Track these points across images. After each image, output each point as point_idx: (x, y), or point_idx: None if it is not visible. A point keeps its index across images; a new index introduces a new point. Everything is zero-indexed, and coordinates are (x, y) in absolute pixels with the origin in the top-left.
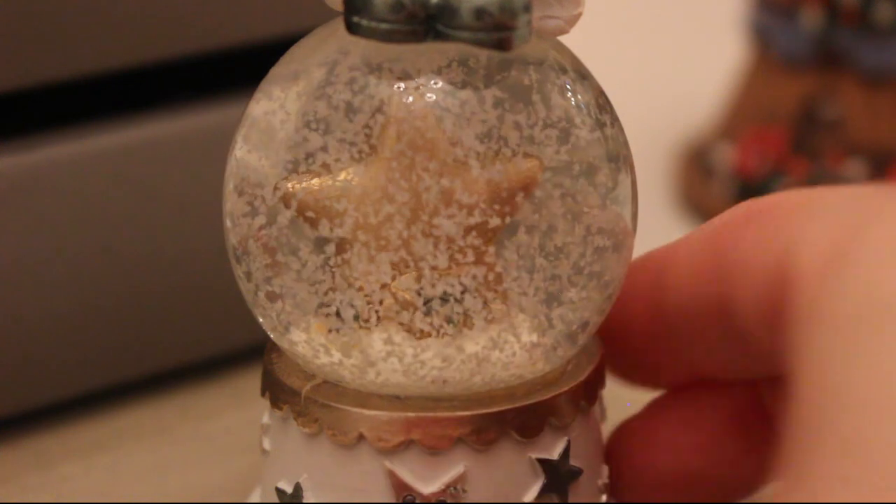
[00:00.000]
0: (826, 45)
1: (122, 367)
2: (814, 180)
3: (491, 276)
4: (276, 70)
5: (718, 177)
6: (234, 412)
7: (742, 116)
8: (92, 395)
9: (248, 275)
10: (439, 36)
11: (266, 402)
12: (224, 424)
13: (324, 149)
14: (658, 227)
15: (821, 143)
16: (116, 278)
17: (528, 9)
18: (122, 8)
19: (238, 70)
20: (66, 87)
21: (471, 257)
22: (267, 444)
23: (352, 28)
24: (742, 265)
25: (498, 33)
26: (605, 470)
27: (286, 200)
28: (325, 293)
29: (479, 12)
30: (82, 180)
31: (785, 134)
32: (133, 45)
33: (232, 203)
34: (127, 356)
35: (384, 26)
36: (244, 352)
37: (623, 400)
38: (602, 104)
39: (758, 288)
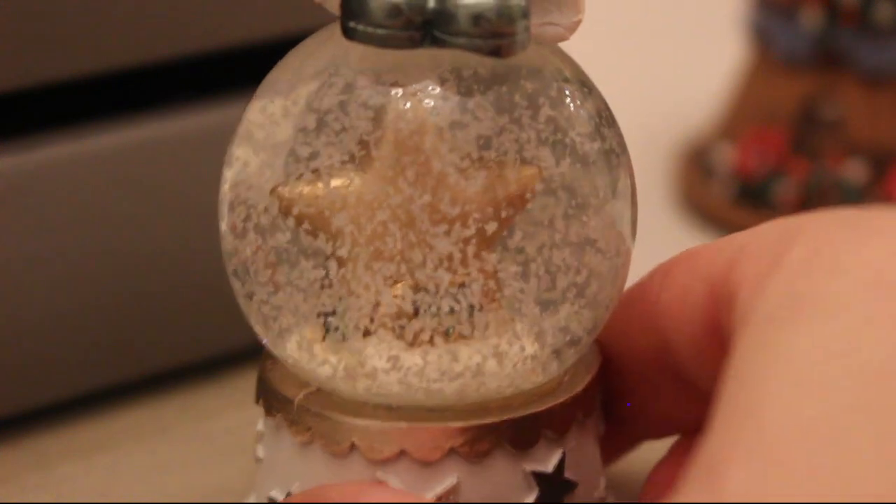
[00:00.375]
0: (826, 45)
1: (122, 367)
2: (814, 180)
3: (487, 286)
4: (272, 77)
5: (718, 177)
6: (234, 412)
7: (742, 116)
8: (92, 395)
9: (244, 283)
10: (436, 42)
11: (260, 410)
12: (224, 424)
13: (320, 156)
14: (658, 227)
15: (821, 143)
16: (116, 278)
17: (526, 15)
18: (122, 8)
19: (238, 70)
20: (66, 87)
21: (467, 267)
22: (261, 452)
23: (348, 33)
24: (673, 305)
25: (495, 40)
26: (602, 482)
27: (282, 206)
28: (320, 301)
29: (477, 18)
30: (82, 180)
31: (785, 134)
32: (133, 45)
33: (228, 211)
34: (127, 356)
35: (381, 32)
36: (244, 352)
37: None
38: (602, 112)
39: (692, 321)
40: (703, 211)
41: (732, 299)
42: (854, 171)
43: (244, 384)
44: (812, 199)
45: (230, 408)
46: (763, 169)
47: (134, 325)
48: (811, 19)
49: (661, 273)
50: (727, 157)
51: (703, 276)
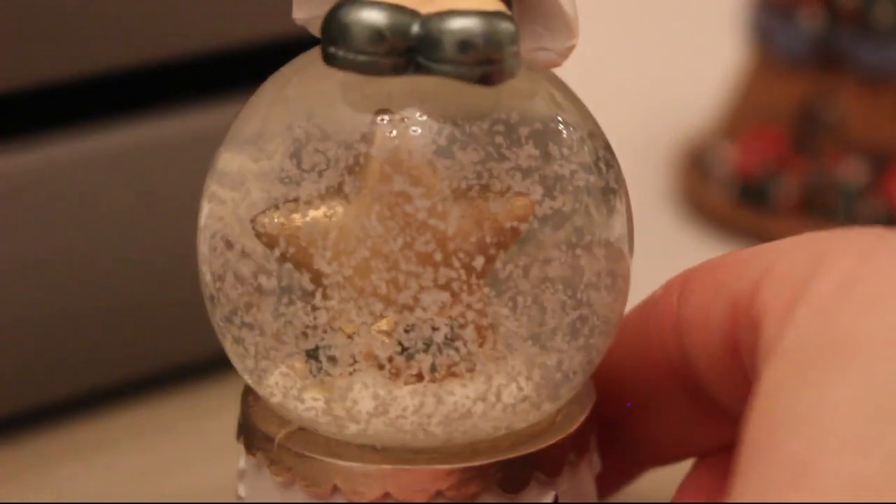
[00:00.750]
0: (826, 45)
1: (122, 367)
2: (814, 180)
3: (477, 322)
4: (250, 108)
5: (718, 177)
6: (234, 412)
7: (742, 116)
8: (92, 395)
9: (223, 318)
10: (420, 69)
11: (241, 447)
12: (224, 424)
13: (302, 186)
14: (658, 227)
15: (821, 143)
16: (116, 278)
17: (514, 41)
18: (122, 8)
19: (238, 70)
20: (66, 87)
21: (456, 301)
22: (242, 491)
23: (329, 59)
24: (693, 320)
25: (483, 67)
26: None
27: (263, 238)
28: (303, 337)
29: (464, 45)
30: (82, 180)
31: (785, 134)
32: (133, 45)
33: (206, 247)
34: (127, 356)
35: (362, 58)
36: None
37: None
38: (596, 136)
39: (713, 339)
40: (703, 211)
41: (758, 325)
42: (854, 171)
43: (244, 384)
44: (812, 199)
45: (230, 408)
46: (763, 169)
47: (134, 325)
48: (811, 19)
49: (679, 285)
50: (727, 157)
51: (725, 295)
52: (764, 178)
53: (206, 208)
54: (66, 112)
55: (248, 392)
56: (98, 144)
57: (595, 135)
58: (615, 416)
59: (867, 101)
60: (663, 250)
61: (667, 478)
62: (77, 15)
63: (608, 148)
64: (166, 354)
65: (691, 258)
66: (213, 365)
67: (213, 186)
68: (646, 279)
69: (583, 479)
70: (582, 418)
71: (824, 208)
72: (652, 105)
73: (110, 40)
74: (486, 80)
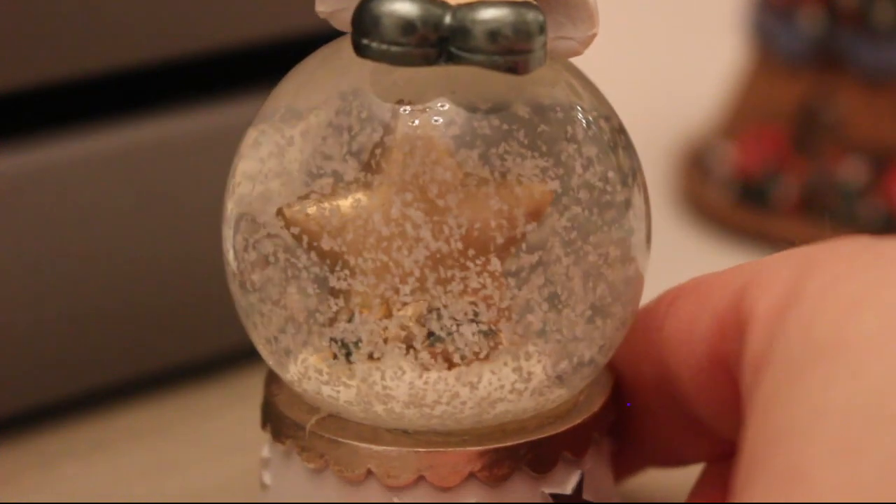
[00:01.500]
0: (826, 45)
1: (122, 367)
2: (814, 180)
3: (500, 307)
4: (277, 95)
5: (718, 177)
6: (234, 412)
7: (742, 116)
8: (92, 395)
9: (250, 305)
10: (452, 59)
11: (267, 435)
12: (224, 424)
13: (328, 176)
14: (658, 227)
15: (821, 143)
16: (116, 278)
17: (543, 30)
18: (122, 8)
19: (240, 70)
20: (66, 87)
21: (479, 286)
22: (267, 479)
23: (360, 50)
24: (677, 335)
25: (513, 56)
26: (615, 499)
27: (289, 228)
28: (331, 323)
29: (494, 35)
30: (82, 180)
31: (785, 134)
32: (134, 45)
33: (233, 233)
34: (127, 356)
35: (395, 49)
36: (244, 352)
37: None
38: (614, 126)
39: (697, 353)
40: (703, 211)
41: (742, 332)
42: (854, 171)
43: (244, 384)
44: (812, 199)
45: (230, 408)
46: (763, 169)
47: (134, 325)
48: (811, 20)
49: (668, 300)
50: (727, 157)
51: (710, 307)
52: (764, 178)
53: (231, 193)
54: (66, 112)
55: (270, 381)
56: (98, 144)
57: (613, 123)
58: (619, 414)
59: (867, 101)
60: (663, 250)
61: (670, 480)
62: (77, 15)
63: (626, 137)
64: (166, 354)
65: (691, 258)
66: (213, 365)
67: (238, 170)
68: (646, 279)
69: (604, 459)
70: (603, 398)
71: (824, 208)
72: (652, 105)
73: (110, 40)
74: (516, 69)
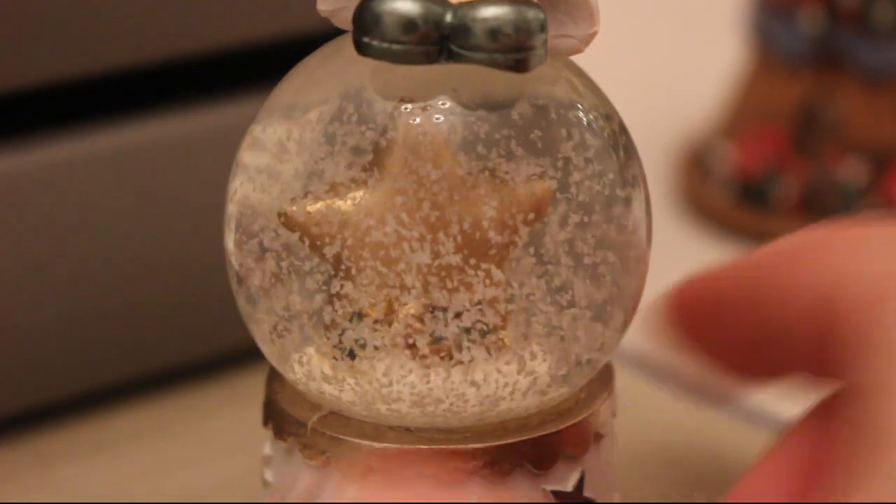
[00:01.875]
0: (826, 45)
1: (122, 367)
2: (814, 180)
3: (503, 304)
4: (277, 94)
5: (718, 177)
6: (234, 412)
7: (742, 116)
8: (92, 395)
9: (252, 303)
10: (452, 57)
11: (268, 433)
12: (224, 424)
13: (329, 174)
14: (658, 226)
15: (821, 143)
16: (116, 278)
17: (544, 28)
18: (122, 8)
19: (240, 70)
20: (66, 87)
21: (480, 284)
22: (269, 476)
23: (361, 48)
24: (792, 292)
25: (514, 54)
26: (616, 498)
27: (290, 226)
28: (333, 323)
29: (495, 32)
30: (82, 180)
31: (785, 134)
32: (133, 45)
33: (234, 230)
34: (127, 356)
35: (396, 47)
36: (244, 352)
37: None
38: (615, 125)
39: (805, 312)
40: (703, 211)
41: (845, 318)
42: (854, 171)
43: (244, 384)
44: (812, 199)
45: (230, 408)
46: (763, 169)
47: (134, 325)
48: (811, 20)
49: (790, 252)
50: (727, 157)
51: (824, 271)
52: (764, 178)
53: (232, 190)
54: (66, 112)
55: (272, 378)
56: (98, 144)
57: (614, 121)
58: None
59: (867, 101)
60: (663, 250)
61: (670, 480)
62: (77, 15)
63: (627, 135)
64: (166, 354)
65: (691, 258)
66: (213, 365)
67: (239, 168)
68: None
69: (605, 455)
70: (604, 395)
71: (824, 208)
72: (652, 105)
73: (110, 40)
74: (517, 66)
